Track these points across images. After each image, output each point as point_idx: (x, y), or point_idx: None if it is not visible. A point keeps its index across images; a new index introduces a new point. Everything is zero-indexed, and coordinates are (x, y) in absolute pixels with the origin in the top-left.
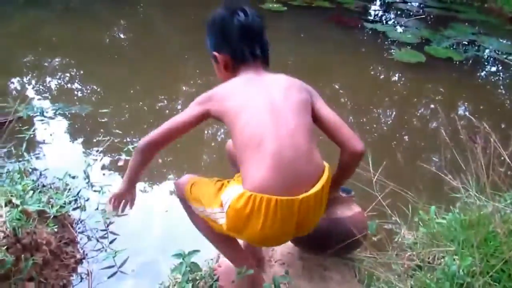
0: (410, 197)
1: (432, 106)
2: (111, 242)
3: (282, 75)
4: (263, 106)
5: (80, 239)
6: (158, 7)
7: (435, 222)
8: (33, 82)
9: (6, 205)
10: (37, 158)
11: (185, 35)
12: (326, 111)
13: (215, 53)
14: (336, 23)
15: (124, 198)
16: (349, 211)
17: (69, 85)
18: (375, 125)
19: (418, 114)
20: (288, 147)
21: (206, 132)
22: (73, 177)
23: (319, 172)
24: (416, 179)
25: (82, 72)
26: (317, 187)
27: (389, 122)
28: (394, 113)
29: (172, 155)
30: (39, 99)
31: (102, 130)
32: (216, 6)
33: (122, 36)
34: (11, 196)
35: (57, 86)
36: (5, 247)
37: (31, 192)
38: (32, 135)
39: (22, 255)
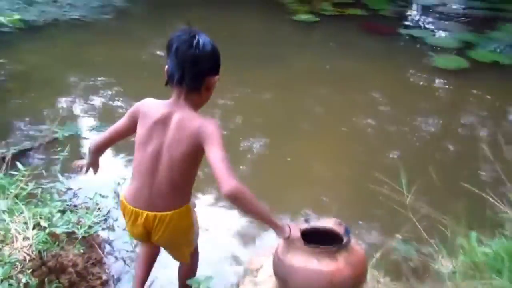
0: (448, 219)
1: (476, 116)
2: None
3: (189, 119)
4: (151, 155)
5: (108, 260)
6: (193, 24)
7: (478, 250)
8: (73, 102)
9: (34, 228)
10: (71, 177)
11: (221, 50)
12: (209, 154)
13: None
14: (370, 31)
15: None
16: (304, 262)
17: (109, 104)
18: (412, 137)
19: (460, 125)
20: (148, 187)
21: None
22: (103, 197)
23: (166, 209)
24: (456, 199)
25: (122, 89)
26: (153, 214)
27: (427, 134)
28: (433, 123)
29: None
30: (76, 119)
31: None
32: (250, 27)
33: (158, 53)
34: (40, 218)
35: (96, 105)
36: (31, 270)
37: (60, 213)
38: (67, 156)
39: (46, 279)
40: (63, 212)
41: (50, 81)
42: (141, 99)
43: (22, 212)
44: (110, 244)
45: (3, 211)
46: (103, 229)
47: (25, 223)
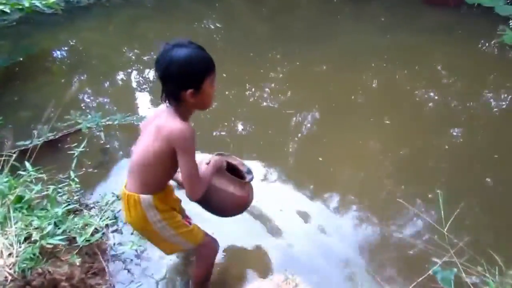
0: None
1: None
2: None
3: (166, 122)
4: (138, 143)
5: (110, 269)
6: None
7: None
8: (108, 89)
9: (25, 240)
10: (86, 175)
11: (269, 24)
12: (179, 162)
13: None
14: (431, 2)
15: None
16: (225, 186)
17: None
18: (479, 115)
19: None
20: (131, 167)
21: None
22: (118, 196)
23: (128, 187)
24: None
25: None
26: (124, 194)
27: (487, 127)
28: (499, 102)
29: None
30: (106, 107)
31: None
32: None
33: (213, 27)
34: (34, 229)
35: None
36: None
37: (64, 217)
38: (86, 149)
39: None
40: (68, 215)
41: (105, 57)
42: None
43: (17, 222)
44: (115, 250)
45: None
46: (111, 232)
47: (17, 235)
